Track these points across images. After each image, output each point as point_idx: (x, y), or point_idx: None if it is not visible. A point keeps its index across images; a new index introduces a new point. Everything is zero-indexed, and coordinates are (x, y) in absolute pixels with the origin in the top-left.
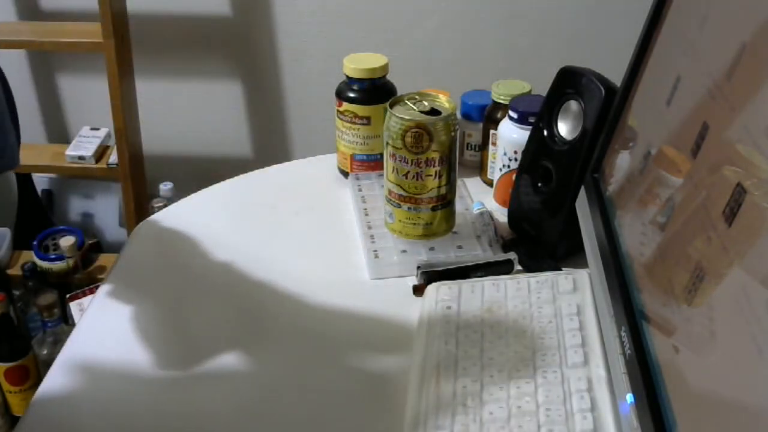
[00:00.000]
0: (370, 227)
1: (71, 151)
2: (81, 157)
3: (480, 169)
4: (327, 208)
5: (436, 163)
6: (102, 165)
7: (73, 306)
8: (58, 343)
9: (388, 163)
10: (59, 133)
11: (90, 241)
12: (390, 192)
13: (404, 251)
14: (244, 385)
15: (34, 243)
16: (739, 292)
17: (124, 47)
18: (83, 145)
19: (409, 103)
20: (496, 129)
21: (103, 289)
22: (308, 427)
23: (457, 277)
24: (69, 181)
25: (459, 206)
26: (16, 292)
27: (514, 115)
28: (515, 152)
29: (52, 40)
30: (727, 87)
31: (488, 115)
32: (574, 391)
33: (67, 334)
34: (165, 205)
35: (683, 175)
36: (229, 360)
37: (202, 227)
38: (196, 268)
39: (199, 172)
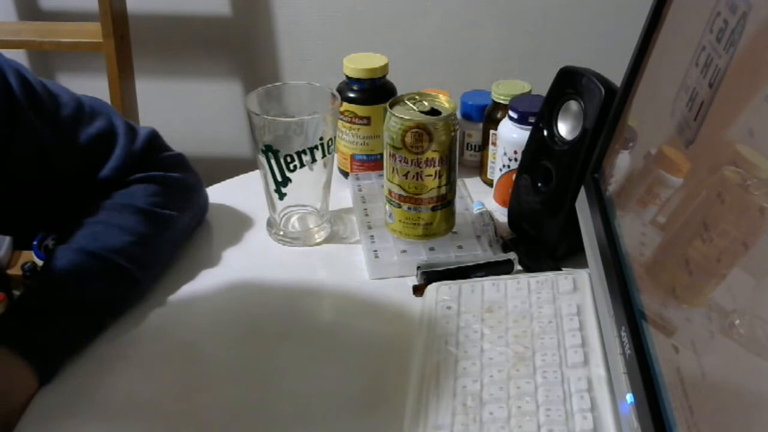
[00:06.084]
0: (370, 227)
1: None
2: None
3: (480, 169)
4: None
5: (436, 163)
6: None
7: None
8: None
9: (388, 163)
10: None
11: None
12: (390, 192)
13: (404, 251)
14: (243, 384)
15: (34, 243)
16: (739, 292)
17: (124, 47)
18: None
19: (409, 103)
20: (496, 129)
21: None
22: (308, 426)
23: (457, 277)
24: None
25: (459, 206)
26: (16, 292)
27: (514, 115)
28: (515, 152)
29: (52, 40)
30: (727, 85)
31: (488, 115)
32: (574, 391)
33: None
34: None
35: (683, 175)
36: (229, 359)
37: (202, 227)
38: (195, 268)
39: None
